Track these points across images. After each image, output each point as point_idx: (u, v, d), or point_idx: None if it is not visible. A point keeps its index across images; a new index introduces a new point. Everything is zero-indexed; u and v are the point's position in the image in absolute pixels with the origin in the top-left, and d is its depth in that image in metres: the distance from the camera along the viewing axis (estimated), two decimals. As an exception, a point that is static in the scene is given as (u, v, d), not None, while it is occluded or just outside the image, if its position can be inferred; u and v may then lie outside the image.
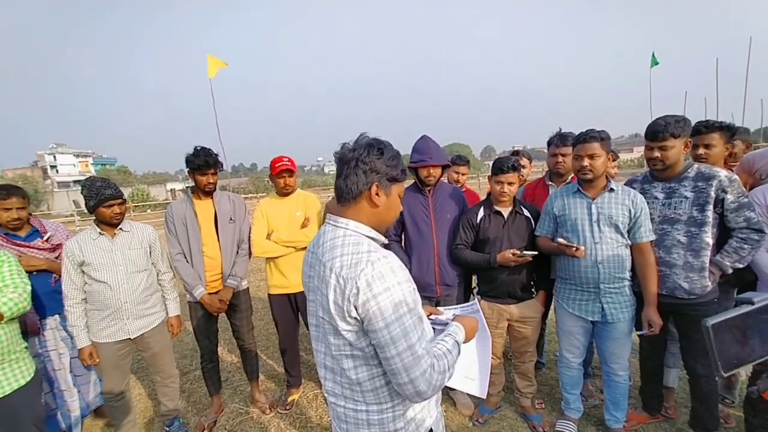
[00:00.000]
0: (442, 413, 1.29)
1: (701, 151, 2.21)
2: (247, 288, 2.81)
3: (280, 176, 2.67)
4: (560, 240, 2.06)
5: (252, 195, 28.54)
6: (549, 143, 2.67)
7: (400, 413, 1.10)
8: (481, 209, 2.37)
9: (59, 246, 2.43)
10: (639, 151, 44.93)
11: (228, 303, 2.61)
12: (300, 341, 3.07)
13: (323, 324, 1.09)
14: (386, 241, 1.17)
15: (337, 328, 1.03)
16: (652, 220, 2.06)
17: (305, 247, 2.63)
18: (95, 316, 2.20)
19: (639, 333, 2.15)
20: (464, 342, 1.20)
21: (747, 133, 2.64)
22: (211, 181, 2.50)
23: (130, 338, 2.27)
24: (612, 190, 2.05)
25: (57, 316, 2.44)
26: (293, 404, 2.87)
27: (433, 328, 1.24)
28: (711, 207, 1.93)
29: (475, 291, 2.66)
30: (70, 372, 2.52)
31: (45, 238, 2.43)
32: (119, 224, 2.26)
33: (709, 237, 1.96)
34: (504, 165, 2.23)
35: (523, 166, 3.12)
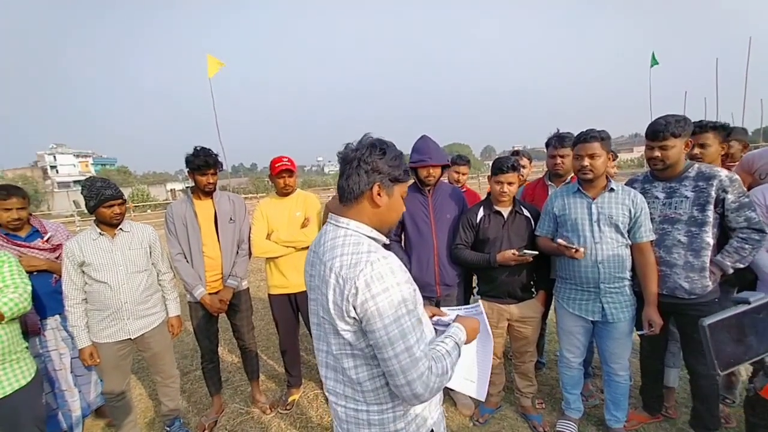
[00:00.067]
0: (443, 413, 1.28)
1: (696, 150, 2.22)
2: (248, 288, 2.81)
3: (280, 176, 2.67)
4: (560, 241, 2.06)
5: (252, 195, 28.55)
6: (547, 144, 2.67)
7: (400, 413, 1.10)
8: (481, 209, 2.37)
9: (59, 246, 2.44)
10: (639, 151, 44.95)
11: (228, 303, 2.61)
12: (300, 341, 3.07)
13: (324, 323, 1.09)
14: (387, 241, 1.17)
15: (336, 328, 1.03)
16: (652, 219, 2.06)
17: (305, 248, 2.65)
18: (96, 316, 2.20)
19: (639, 333, 2.15)
20: (465, 343, 1.19)
21: (744, 133, 2.65)
22: (211, 181, 2.50)
23: (130, 338, 2.27)
24: (612, 189, 2.05)
25: (57, 317, 2.44)
26: (294, 404, 2.87)
27: (436, 330, 1.24)
28: (711, 207, 1.93)
29: (475, 291, 2.66)
30: (71, 372, 2.52)
31: (45, 238, 2.43)
32: (119, 224, 2.26)
33: (709, 237, 1.96)
34: (504, 165, 2.23)
35: (523, 166, 3.12)
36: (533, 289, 2.42)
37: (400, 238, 2.57)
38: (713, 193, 1.92)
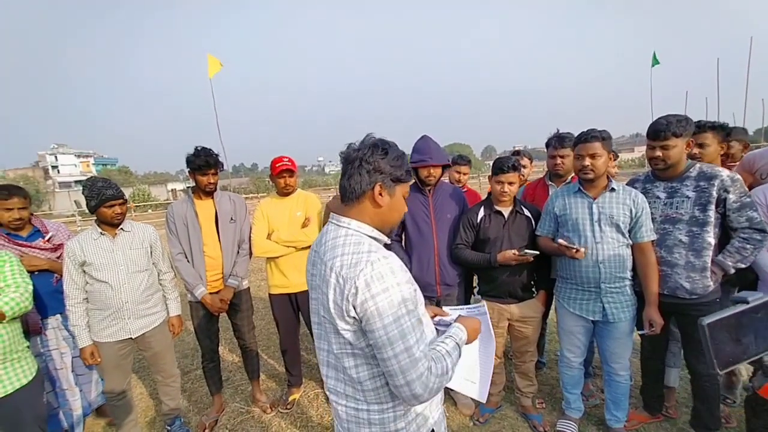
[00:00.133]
0: (444, 413, 1.28)
1: (695, 150, 2.22)
2: (248, 288, 2.81)
3: (281, 176, 2.68)
4: (561, 241, 2.06)
5: (253, 195, 28.58)
6: (547, 145, 2.67)
7: (401, 413, 1.09)
8: (482, 209, 2.37)
9: (61, 246, 2.44)
10: (640, 151, 44.87)
11: (229, 303, 2.61)
12: (300, 341, 3.07)
13: (325, 323, 1.09)
14: (389, 241, 1.17)
15: (337, 328, 1.03)
16: (653, 219, 2.06)
17: (305, 247, 2.66)
18: (96, 315, 2.20)
19: (640, 333, 2.15)
20: (467, 344, 1.19)
21: (744, 133, 2.65)
22: (212, 181, 2.50)
23: (131, 338, 2.27)
24: (613, 189, 2.05)
25: (59, 316, 2.44)
26: (294, 403, 2.87)
27: (438, 330, 1.23)
28: (713, 207, 1.93)
29: (475, 291, 2.66)
30: (72, 371, 2.53)
31: (46, 238, 2.44)
32: (120, 224, 2.26)
33: (711, 237, 1.95)
34: (504, 165, 2.23)
35: (524, 166, 3.12)
36: (534, 289, 2.41)
37: (401, 238, 2.57)
38: (715, 193, 1.92)
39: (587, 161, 2.00)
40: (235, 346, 3.20)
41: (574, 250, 1.99)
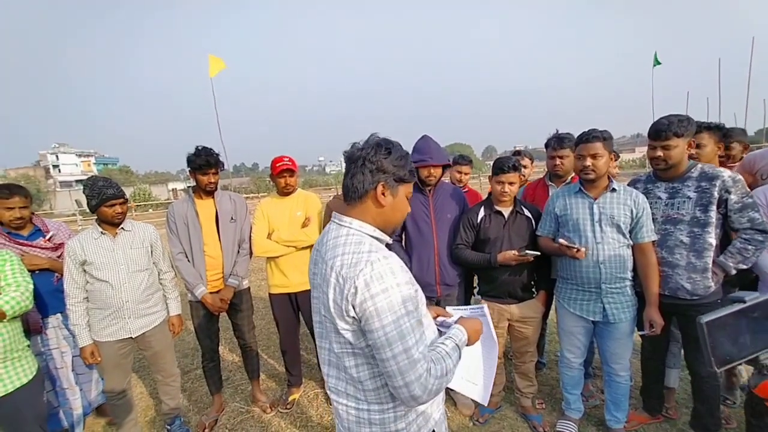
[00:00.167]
0: (445, 413, 1.27)
1: (692, 150, 2.23)
2: (248, 287, 2.81)
3: (281, 176, 2.68)
4: (561, 241, 2.06)
5: (253, 195, 28.60)
6: (547, 145, 2.67)
7: (401, 414, 1.09)
8: (482, 209, 2.37)
9: (61, 245, 2.44)
10: (641, 152, 44.82)
11: (229, 302, 2.61)
12: (301, 340, 3.07)
13: (326, 322, 1.09)
14: (390, 241, 1.16)
15: (337, 327, 1.03)
16: (655, 220, 2.06)
17: (306, 247, 2.66)
18: (97, 315, 2.21)
19: (640, 333, 2.15)
20: (468, 345, 1.18)
21: (743, 134, 2.66)
22: (212, 180, 2.51)
23: (131, 337, 2.28)
24: (614, 190, 2.05)
25: (59, 315, 2.45)
26: (294, 403, 2.87)
27: (440, 331, 1.23)
28: (714, 207, 1.92)
29: (475, 291, 2.66)
30: (72, 370, 2.54)
31: (47, 237, 2.44)
32: (121, 224, 2.27)
33: (712, 237, 1.95)
34: (504, 165, 2.23)
35: (525, 166, 3.12)
36: (534, 289, 2.41)
37: (401, 238, 2.57)
38: (716, 194, 1.91)
39: (588, 161, 2.00)
40: (235, 346, 3.21)
41: (575, 250, 1.99)
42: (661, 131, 1.94)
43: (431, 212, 2.45)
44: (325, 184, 45.62)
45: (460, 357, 1.12)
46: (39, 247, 2.38)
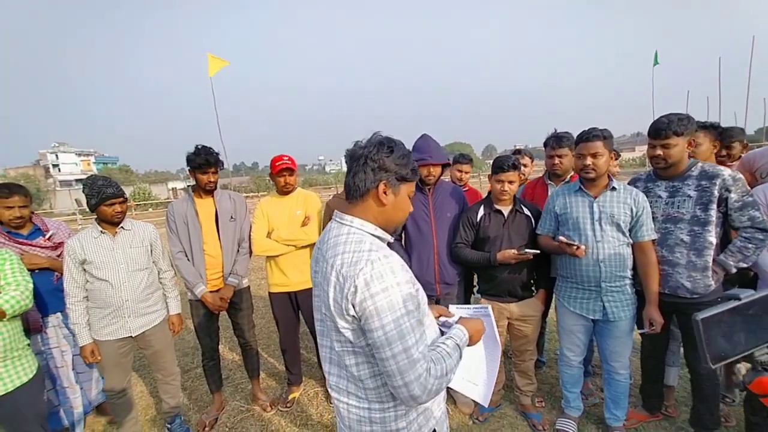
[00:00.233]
0: (446, 413, 1.26)
1: (690, 149, 2.23)
2: (248, 286, 2.81)
3: (281, 175, 2.68)
4: (561, 238, 2.06)
5: (253, 194, 28.60)
6: (545, 145, 2.67)
7: (402, 412, 1.09)
8: (481, 208, 2.37)
9: (61, 244, 2.44)
10: (641, 150, 44.82)
11: (229, 301, 2.61)
12: (300, 339, 3.07)
13: (326, 320, 1.09)
14: (392, 240, 1.16)
15: (337, 326, 1.03)
16: (655, 218, 2.06)
17: (305, 246, 2.66)
18: (97, 314, 2.21)
19: (640, 331, 2.15)
20: (469, 345, 1.18)
21: (742, 133, 2.66)
22: (212, 179, 2.51)
23: (131, 336, 2.28)
24: (614, 188, 2.05)
25: (59, 314, 2.45)
26: (294, 402, 2.87)
27: (442, 331, 1.22)
28: (714, 206, 1.92)
29: (475, 290, 2.66)
30: (73, 369, 2.54)
31: (47, 236, 2.44)
32: (120, 223, 2.26)
33: (712, 236, 1.95)
34: (504, 164, 2.23)
35: (524, 165, 3.12)
36: (533, 288, 2.42)
37: (401, 237, 2.57)
38: (716, 192, 1.91)
39: (589, 160, 1.99)
40: (235, 345, 3.21)
41: (575, 247, 1.99)
42: (660, 130, 1.94)
43: (431, 211, 2.45)
44: (324, 183, 45.63)
45: (461, 357, 1.11)
46: (39, 246, 2.38)
